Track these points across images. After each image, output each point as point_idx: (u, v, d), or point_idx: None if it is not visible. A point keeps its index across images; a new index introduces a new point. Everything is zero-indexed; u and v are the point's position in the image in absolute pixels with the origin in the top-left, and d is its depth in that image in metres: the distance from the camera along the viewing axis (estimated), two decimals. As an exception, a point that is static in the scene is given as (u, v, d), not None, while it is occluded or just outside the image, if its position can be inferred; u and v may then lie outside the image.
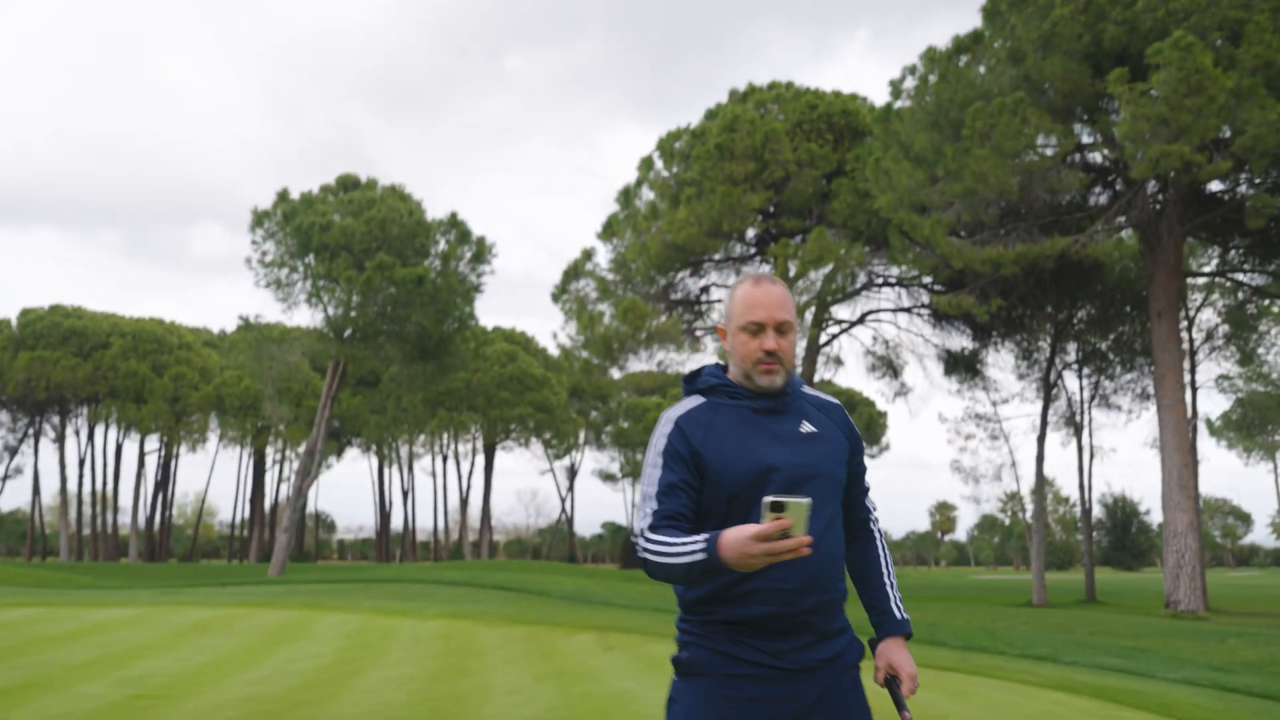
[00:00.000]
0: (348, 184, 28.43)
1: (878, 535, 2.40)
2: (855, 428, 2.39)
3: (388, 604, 13.28)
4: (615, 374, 32.71)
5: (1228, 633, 14.54)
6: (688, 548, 1.97)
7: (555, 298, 29.52)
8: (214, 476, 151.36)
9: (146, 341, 52.45)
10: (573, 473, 66.94)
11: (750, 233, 28.22)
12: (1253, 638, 13.54)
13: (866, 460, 2.44)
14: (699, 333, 29.78)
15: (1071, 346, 31.84)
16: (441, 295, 26.95)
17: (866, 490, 2.44)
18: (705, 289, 30.22)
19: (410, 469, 64.18)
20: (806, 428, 2.24)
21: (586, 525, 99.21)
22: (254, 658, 8.16)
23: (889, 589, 2.36)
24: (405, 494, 64.75)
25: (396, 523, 72.52)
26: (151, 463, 73.19)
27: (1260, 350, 34.92)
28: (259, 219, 27.38)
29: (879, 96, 23.97)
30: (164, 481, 63.96)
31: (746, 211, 24.92)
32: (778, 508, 1.84)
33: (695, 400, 2.24)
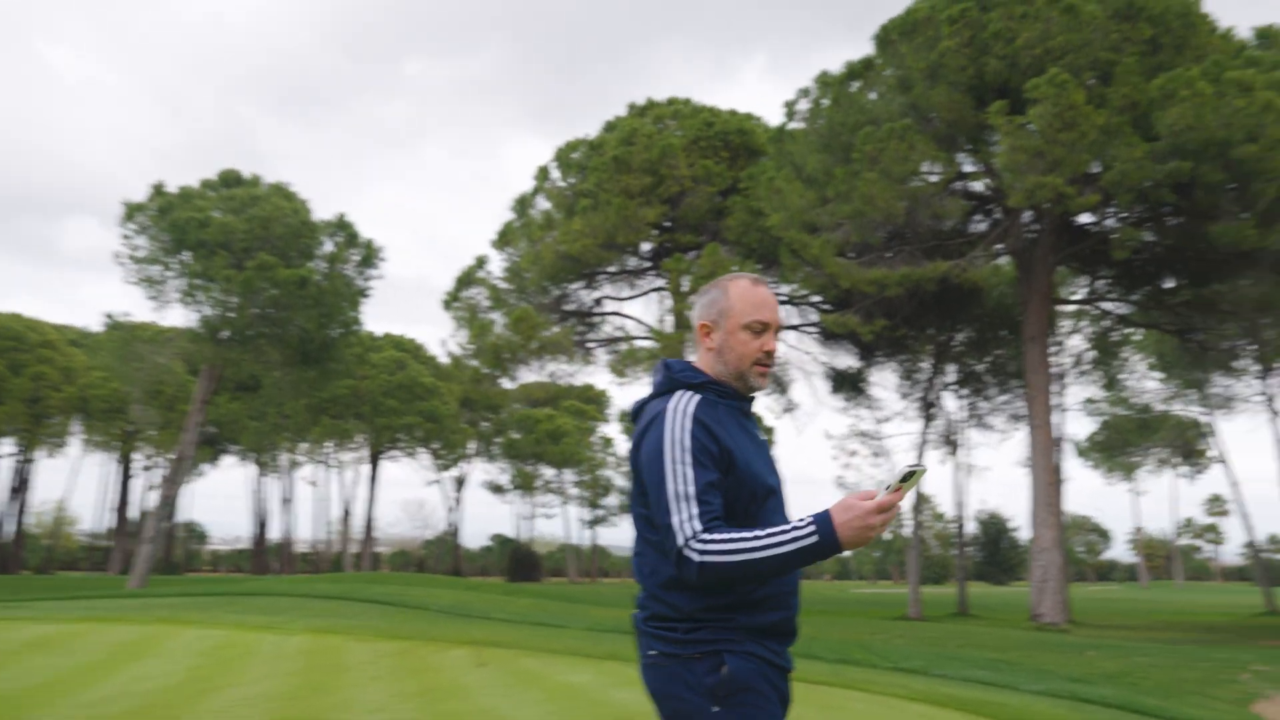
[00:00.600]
0: (229, 180, 27.25)
1: None
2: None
3: (252, 618, 12.64)
4: (507, 384, 32.29)
5: (1087, 645, 15.17)
6: (790, 534, 1.92)
7: (446, 305, 28.95)
8: (76, 483, 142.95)
9: (3, 338, 49.21)
10: (461, 484, 65.82)
11: (645, 246, 28.29)
12: (1110, 649, 14.14)
13: None
14: (591, 345, 29.65)
15: (951, 368, 32.99)
16: (326, 298, 26.07)
17: None
18: (599, 301, 30.13)
19: (291, 478, 61.99)
20: (761, 434, 2.30)
21: (474, 537, 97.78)
22: (94, 677, 7.57)
23: None
24: (284, 503, 62.45)
25: (275, 533, 69.88)
26: (5, 468, 68.63)
27: (1122, 376, 36.95)
28: (131, 212, 25.96)
29: (775, 117, 24.38)
30: (20, 488, 60.04)
31: (641, 225, 24.96)
32: (909, 476, 1.89)
33: (692, 395, 2.15)
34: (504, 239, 27.95)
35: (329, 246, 27.97)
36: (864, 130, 19.96)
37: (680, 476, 2.01)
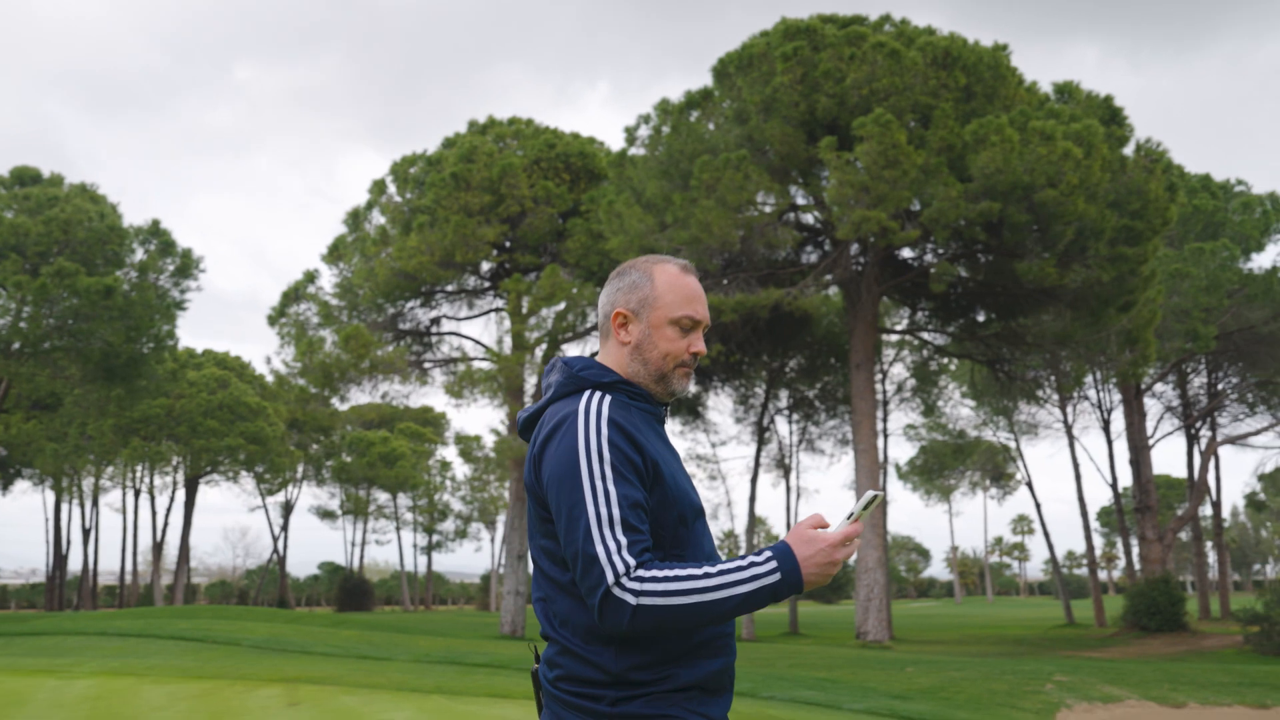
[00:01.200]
0: (25, 177, 24.93)
1: None
2: None
3: (32, 661, 11.42)
4: (339, 405, 30.95)
5: (907, 661, 15.77)
6: (748, 572, 1.63)
7: (272, 321, 27.52)
8: None
9: None
10: (288, 509, 62.64)
11: (484, 266, 27.83)
12: (928, 665, 14.73)
13: None
14: (427, 365, 28.84)
15: (783, 393, 34.02)
16: (135, 310, 24.18)
17: None
18: (436, 320, 29.38)
19: (95, 504, 57.25)
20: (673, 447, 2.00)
21: (301, 566, 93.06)
22: None
23: None
24: (86, 533, 57.59)
25: (75, 565, 64.28)
26: None
27: (940, 403, 39.16)
28: (-94, 210, 23.37)
29: (617, 143, 24.58)
30: None
31: (480, 244, 24.53)
32: (870, 502, 1.71)
33: (604, 395, 1.80)
34: (335, 254, 26.86)
35: (140, 254, 26.05)
36: (701, 159, 20.34)
37: (602, 496, 1.66)
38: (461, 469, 73.39)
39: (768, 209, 21.70)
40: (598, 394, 1.79)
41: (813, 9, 21.45)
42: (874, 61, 19.28)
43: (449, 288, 28.02)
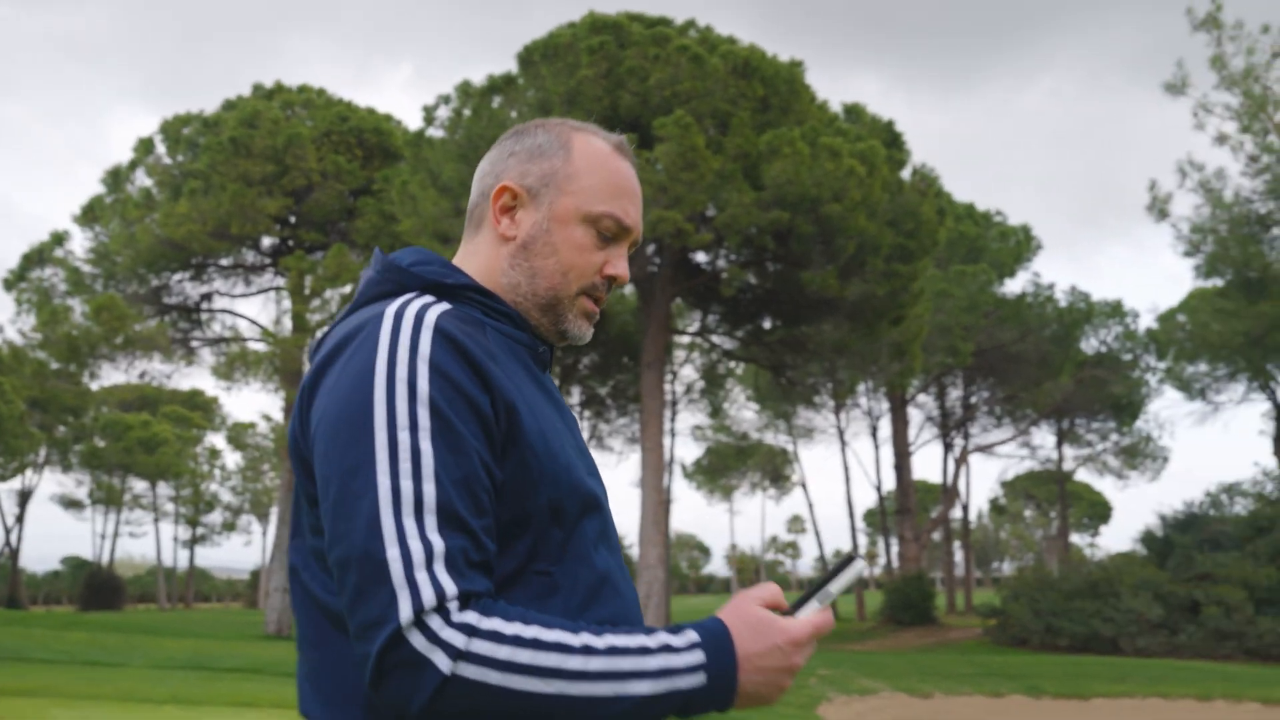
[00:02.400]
0: None
1: None
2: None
3: None
4: (90, 384, 28.03)
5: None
6: (652, 662, 0.98)
7: (9, 285, 24.52)
8: None
9: None
10: (25, 498, 56.38)
11: (265, 241, 26.02)
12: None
13: None
14: (195, 344, 26.64)
15: (576, 390, 33.97)
16: None
17: None
18: (207, 296, 27.19)
19: None
20: (565, 405, 1.31)
21: (41, 560, 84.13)
22: None
23: None
24: None
25: None
26: None
27: (726, 405, 40.45)
28: None
29: (416, 125, 23.56)
30: None
31: (261, 216, 22.86)
32: (846, 564, 1.13)
33: (434, 302, 1.14)
34: (90, 215, 24.26)
35: None
36: (502, 145, 19.84)
37: (407, 460, 1.00)
38: (233, 458, 68.75)
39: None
40: (426, 297, 1.14)
41: (620, 7, 21.44)
42: (678, 64, 19.47)
43: (223, 261, 26.00)
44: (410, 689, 0.95)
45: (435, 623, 0.95)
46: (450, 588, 0.97)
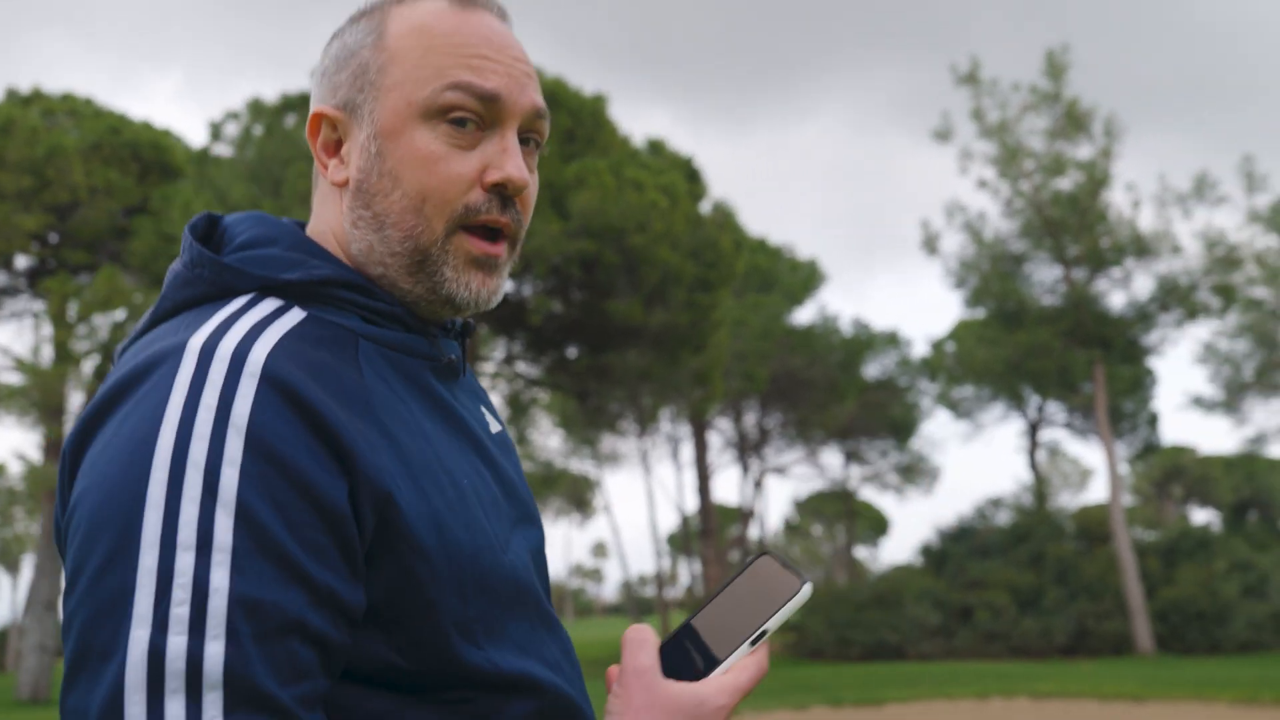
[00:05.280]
0: None
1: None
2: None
3: None
4: None
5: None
6: None
7: None
8: None
9: None
10: None
11: (21, 261, 23.54)
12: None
13: None
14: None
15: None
16: None
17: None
18: (-52, 322, 24.24)
19: None
20: (493, 424, 0.98)
21: None
22: None
23: None
24: None
25: None
26: None
27: (531, 433, 40.22)
28: None
29: (199, 141, 22.12)
30: None
31: (16, 233, 20.68)
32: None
33: (278, 314, 0.79)
34: None
35: None
36: (296, 166, 18.95)
37: (180, 603, 0.65)
38: (-23, 503, 61.26)
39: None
40: (263, 308, 0.80)
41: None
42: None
43: (-32, 284, 23.30)
44: None
45: None
46: None
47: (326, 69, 0.91)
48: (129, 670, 0.64)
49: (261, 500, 0.68)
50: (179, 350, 0.73)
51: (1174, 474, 65.65)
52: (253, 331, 0.75)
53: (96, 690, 0.65)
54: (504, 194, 0.87)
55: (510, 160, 0.86)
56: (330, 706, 0.72)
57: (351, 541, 0.72)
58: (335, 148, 0.89)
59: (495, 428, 0.98)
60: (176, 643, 0.64)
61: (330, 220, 0.89)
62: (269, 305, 0.80)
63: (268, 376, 0.72)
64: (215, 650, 0.64)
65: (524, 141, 0.93)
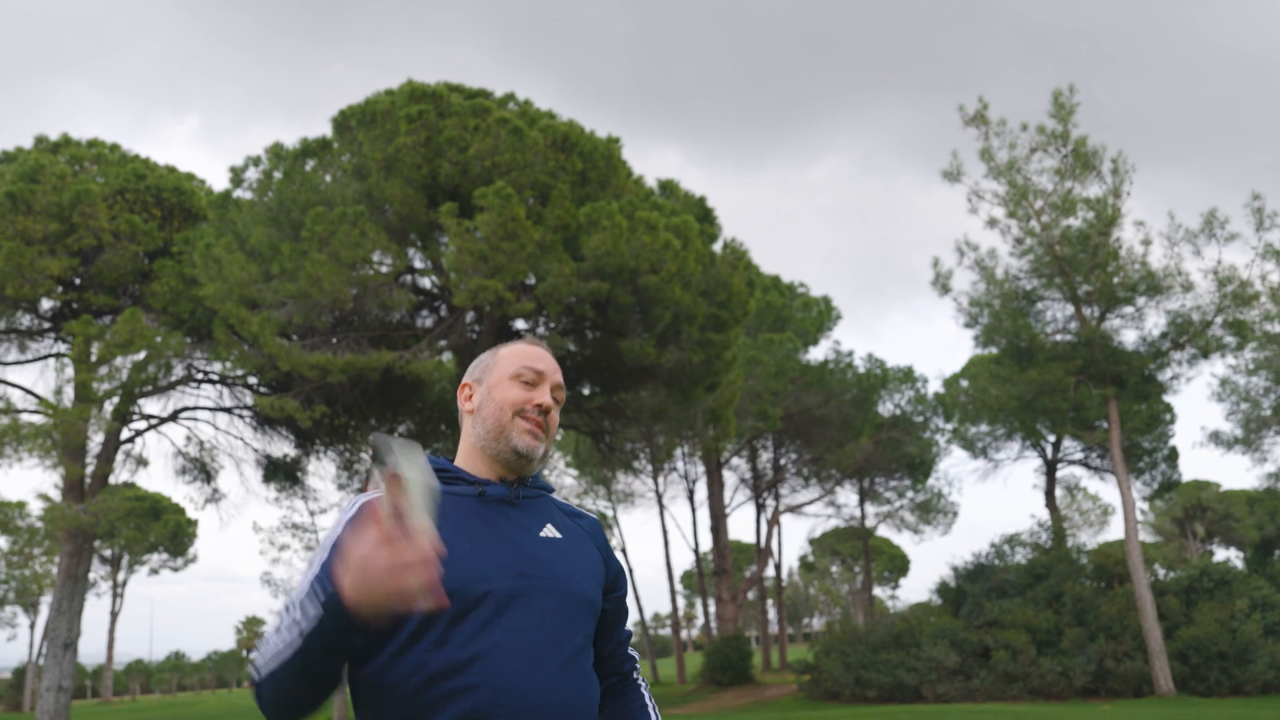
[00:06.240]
0: None
1: (648, 696, 1.92)
2: (614, 554, 1.92)
3: None
4: None
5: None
6: (291, 617, 1.49)
7: None
8: None
9: None
10: None
11: (45, 304, 24.01)
12: None
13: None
14: (-43, 417, 24.01)
15: (391, 459, 32.89)
16: None
17: (628, 638, 1.97)
18: (-27, 364, 24.68)
19: None
20: (549, 532, 1.79)
21: None
22: None
23: None
24: None
25: None
26: None
27: (545, 472, 40.30)
28: None
29: (217, 184, 22.62)
30: None
31: (41, 277, 21.12)
32: (383, 457, 1.25)
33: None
34: None
35: None
36: (316, 210, 19.31)
37: (303, 578, 1.62)
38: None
39: (384, 269, 21.10)
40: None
41: (409, 74, 21.52)
42: (498, 135, 19.70)
43: (-5, 326, 23.74)
44: (257, 703, 1.66)
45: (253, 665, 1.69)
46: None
47: (470, 369, 2.00)
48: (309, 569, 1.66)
49: (327, 553, 1.67)
50: (356, 502, 1.79)
51: (1196, 511, 64.80)
52: (366, 498, 1.81)
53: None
54: (541, 409, 1.87)
55: (544, 397, 1.88)
56: (365, 650, 1.63)
57: None
58: (467, 397, 1.95)
59: (549, 533, 1.80)
60: (292, 596, 1.58)
61: (463, 436, 1.91)
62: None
63: (361, 506, 1.74)
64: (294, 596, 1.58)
65: (555, 395, 1.91)
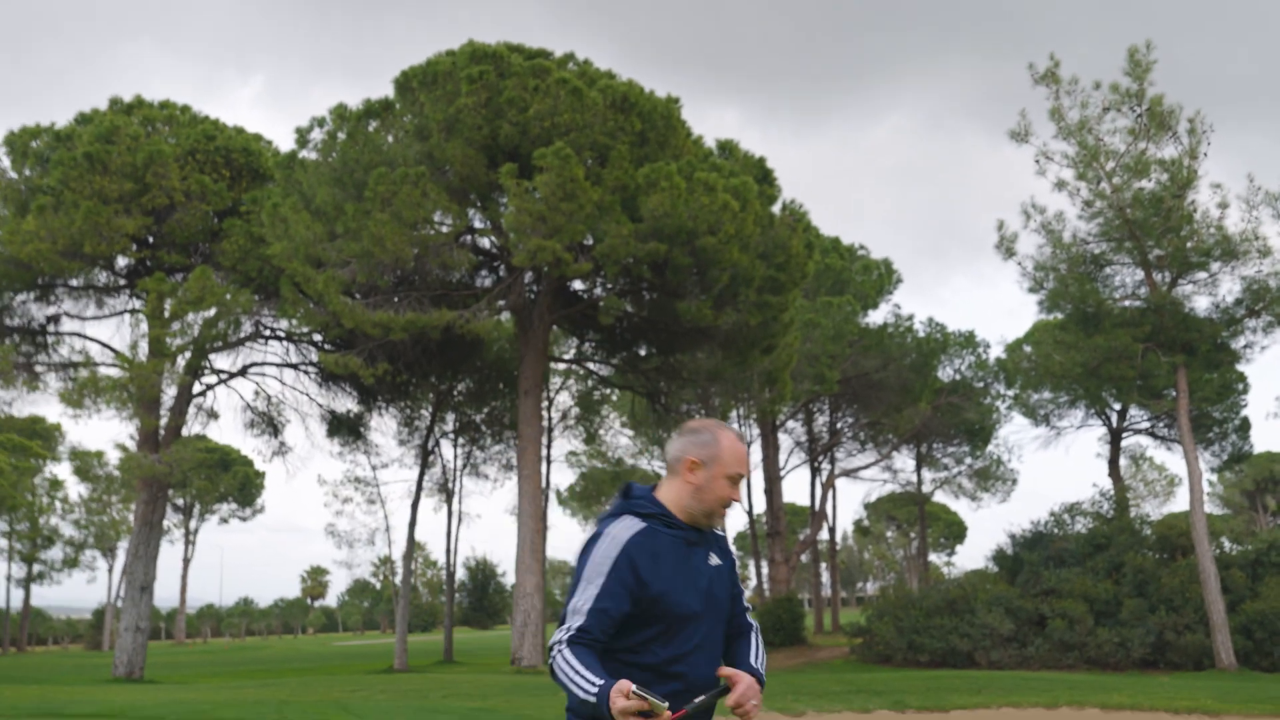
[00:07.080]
0: None
1: (755, 629, 2.77)
2: (734, 554, 2.81)
3: None
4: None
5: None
6: (586, 683, 2.33)
7: None
8: None
9: None
10: None
11: (121, 261, 24.79)
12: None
13: None
14: (40, 368, 25.07)
15: (450, 416, 33.52)
16: None
17: (746, 605, 2.81)
18: (55, 319, 25.66)
19: None
20: (714, 560, 2.67)
21: None
22: None
23: (751, 655, 2.69)
24: None
25: None
26: None
27: (601, 432, 40.66)
28: None
29: (283, 145, 23.04)
30: None
31: (117, 235, 21.79)
32: (641, 697, 2.25)
33: (636, 523, 2.55)
34: (-77, 231, 22.56)
35: None
36: (379, 170, 19.60)
37: (583, 587, 2.45)
38: (77, 488, 64.39)
39: (445, 229, 21.35)
40: (628, 520, 2.56)
41: (469, 35, 21.55)
42: (557, 96, 19.71)
43: (73, 282, 24.61)
44: (549, 662, 2.47)
45: (559, 645, 2.45)
46: (569, 635, 2.46)
47: (696, 444, 2.65)
48: (569, 606, 2.51)
49: (614, 577, 2.49)
50: (603, 533, 2.58)
51: (1267, 484, 62.98)
52: (625, 528, 2.56)
53: (565, 606, 2.52)
54: (734, 501, 2.65)
55: (736, 493, 2.65)
56: (618, 635, 2.51)
57: (631, 594, 2.50)
58: (693, 471, 2.62)
59: (714, 561, 2.68)
60: (577, 602, 2.49)
61: (674, 490, 2.65)
62: (634, 520, 2.58)
63: (627, 546, 2.52)
64: (585, 606, 2.47)
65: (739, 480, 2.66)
